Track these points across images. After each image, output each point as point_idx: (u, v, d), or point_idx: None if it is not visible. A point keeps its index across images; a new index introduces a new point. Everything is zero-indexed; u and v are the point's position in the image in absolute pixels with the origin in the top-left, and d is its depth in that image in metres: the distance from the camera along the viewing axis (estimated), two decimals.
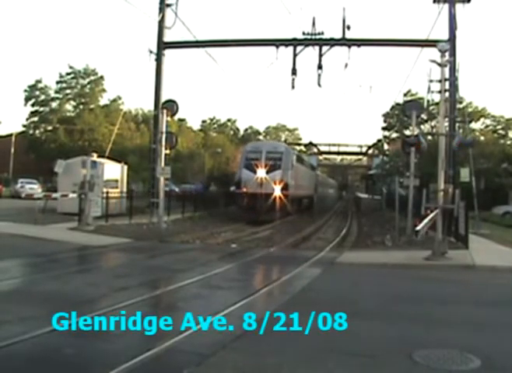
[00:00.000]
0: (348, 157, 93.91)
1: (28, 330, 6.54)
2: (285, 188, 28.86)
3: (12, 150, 63.66)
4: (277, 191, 28.39)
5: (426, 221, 14.50)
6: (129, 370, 5.47)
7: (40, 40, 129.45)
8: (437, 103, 19.00)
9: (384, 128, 60.88)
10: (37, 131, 68.95)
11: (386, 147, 64.51)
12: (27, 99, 67.28)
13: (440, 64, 15.15)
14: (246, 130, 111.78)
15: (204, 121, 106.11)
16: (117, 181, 26.47)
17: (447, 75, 15.60)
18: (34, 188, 43.28)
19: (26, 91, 67.46)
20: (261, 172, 28.93)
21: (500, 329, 7.58)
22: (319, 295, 9.90)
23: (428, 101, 25.05)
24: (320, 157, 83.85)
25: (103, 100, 70.58)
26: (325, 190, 61.39)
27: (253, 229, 24.30)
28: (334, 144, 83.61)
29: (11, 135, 67.46)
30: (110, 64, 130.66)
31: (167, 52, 25.98)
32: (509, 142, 57.23)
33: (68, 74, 68.09)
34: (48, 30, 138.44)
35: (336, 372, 5.73)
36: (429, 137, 25.70)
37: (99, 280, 10.73)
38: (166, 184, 24.64)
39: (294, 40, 25.09)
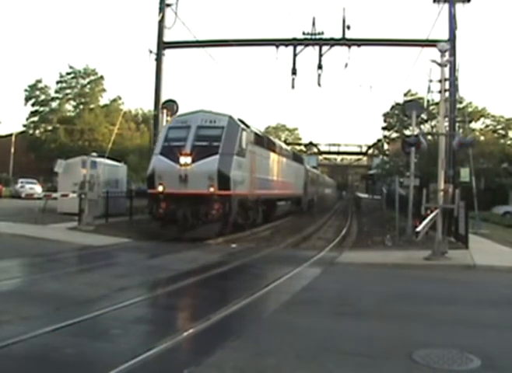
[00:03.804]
0: (348, 157, 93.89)
1: (27, 330, 6.54)
2: (224, 185, 18.32)
3: (12, 150, 63.68)
4: (212, 190, 18.17)
5: (426, 221, 14.51)
6: (130, 369, 5.48)
7: (40, 40, 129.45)
8: (437, 103, 19.00)
9: (383, 128, 60.93)
10: (37, 131, 68.92)
11: (386, 147, 64.59)
12: (27, 99, 67.30)
13: (440, 64, 15.15)
14: None
15: None
16: (117, 181, 26.46)
17: (447, 75, 15.60)
18: (34, 188, 43.29)
19: (26, 91, 67.53)
20: (186, 160, 18.37)
21: (500, 329, 7.58)
22: (319, 295, 9.89)
23: (428, 101, 25.05)
24: (320, 157, 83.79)
25: (103, 100, 70.63)
26: (321, 190, 53.49)
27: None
28: (334, 144, 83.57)
29: (11, 135, 67.51)
30: (110, 64, 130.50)
31: (167, 52, 25.97)
32: (509, 142, 57.26)
33: (68, 74, 68.10)
34: (48, 30, 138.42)
35: (336, 372, 5.73)
36: (429, 137, 25.63)
37: (98, 280, 10.72)
38: None
39: (294, 39, 25.07)
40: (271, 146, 26.00)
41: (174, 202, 18.19)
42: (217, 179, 18.19)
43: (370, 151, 78.43)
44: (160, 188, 18.50)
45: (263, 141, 24.26)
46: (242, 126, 20.43)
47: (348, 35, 24.47)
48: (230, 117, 20.10)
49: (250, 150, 21.06)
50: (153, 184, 18.83)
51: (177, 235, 17.97)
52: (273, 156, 26.25)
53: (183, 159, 18.38)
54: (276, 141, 30.10)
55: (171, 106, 24.60)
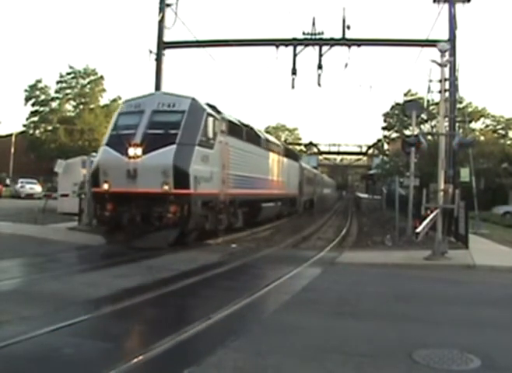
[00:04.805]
0: (348, 157, 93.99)
1: (27, 330, 6.54)
2: (182, 182, 15.20)
3: (12, 150, 63.72)
4: (166, 188, 15.10)
5: (426, 221, 14.54)
6: (130, 369, 5.48)
7: (40, 40, 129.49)
8: (437, 103, 19.00)
9: (383, 128, 61.06)
10: (37, 131, 68.91)
11: (386, 147, 64.70)
12: (27, 99, 67.31)
13: (440, 64, 15.16)
14: None
15: None
16: None
17: (447, 75, 15.61)
18: (34, 188, 43.30)
19: (26, 91, 67.54)
20: (135, 151, 15.26)
21: (500, 329, 7.58)
22: (319, 295, 9.90)
23: (428, 101, 25.07)
24: (320, 157, 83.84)
25: (103, 100, 70.61)
26: (319, 190, 51.65)
27: None
28: (334, 144, 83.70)
29: (11, 135, 67.56)
30: (110, 64, 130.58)
31: (167, 52, 25.94)
32: (509, 142, 57.37)
33: (68, 74, 68.10)
34: (48, 30, 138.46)
35: (336, 372, 5.73)
36: (429, 137, 25.64)
37: (98, 280, 10.72)
38: None
39: (294, 39, 25.04)
40: (253, 138, 22.78)
41: (122, 203, 15.33)
42: (173, 175, 15.08)
43: (370, 151, 78.56)
44: (105, 186, 15.51)
45: (241, 131, 20.94)
46: (209, 110, 17.20)
47: (349, 35, 24.42)
48: (193, 99, 16.79)
49: (221, 141, 17.83)
50: (97, 182, 15.87)
51: (124, 244, 15.05)
52: (257, 150, 23.16)
53: (132, 151, 15.22)
54: (262, 133, 26.27)
55: None
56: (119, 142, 15.58)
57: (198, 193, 15.69)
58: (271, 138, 29.37)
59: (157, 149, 15.24)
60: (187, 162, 15.41)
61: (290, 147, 47.05)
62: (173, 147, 15.34)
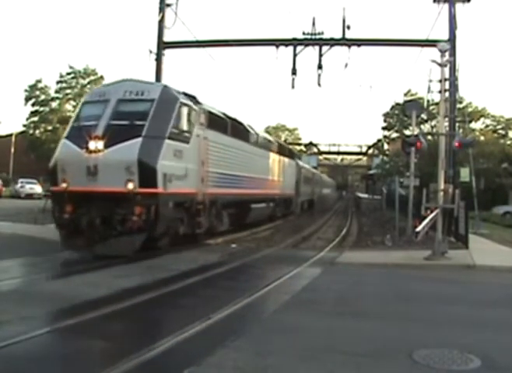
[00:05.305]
0: (348, 157, 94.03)
1: (27, 330, 6.54)
2: (148, 180, 13.51)
3: (12, 150, 63.69)
4: (130, 187, 13.28)
5: (426, 221, 14.54)
6: (131, 368, 5.48)
7: (40, 40, 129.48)
8: (437, 103, 19.01)
9: (383, 128, 61.18)
10: (37, 131, 68.82)
11: (386, 147, 64.76)
12: (27, 99, 67.26)
13: (440, 64, 15.16)
14: None
15: None
16: None
17: (447, 75, 15.61)
18: (34, 188, 43.27)
19: (26, 91, 67.46)
20: (96, 145, 13.47)
21: (501, 329, 7.57)
22: (319, 295, 9.90)
23: (428, 101, 25.14)
24: (320, 157, 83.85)
25: None
26: (319, 189, 50.58)
27: None
28: (334, 144, 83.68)
29: (11, 135, 67.51)
30: (110, 64, 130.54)
31: (167, 52, 25.95)
32: (509, 142, 57.48)
33: (68, 74, 68.01)
34: (48, 30, 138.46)
35: (336, 372, 5.73)
36: (429, 137, 25.65)
37: (98, 280, 10.71)
38: None
39: (294, 39, 25.05)
40: (240, 133, 20.79)
41: (82, 204, 13.48)
42: (138, 172, 13.28)
43: (370, 151, 78.61)
44: (64, 185, 13.70)
45: (226, 125, 18.97)
46: (183, 100, 15.33)
47: (348, 35, 24.44)
48: (165, 87, 15.25)
49: (199, 134, 16.03)
50: (55, 179, 14.12)
51: (84, 250, 13.35)
52: (245, 146, 21.28)
53: (92, 144, 13.38)
54: (252, 128, 23.74)
55: None
56: (79, 135, 13.81)
57: (168, 192, 13.95)
58: (263, 134, 27.13)
59: (121, 142, 13.44)
60: (154, 156, 13.63)
61: (289, 146, 46.23)
62: (139, 140, 13.55)
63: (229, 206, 19.16)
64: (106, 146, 13.37)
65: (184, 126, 15.18)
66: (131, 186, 13.22)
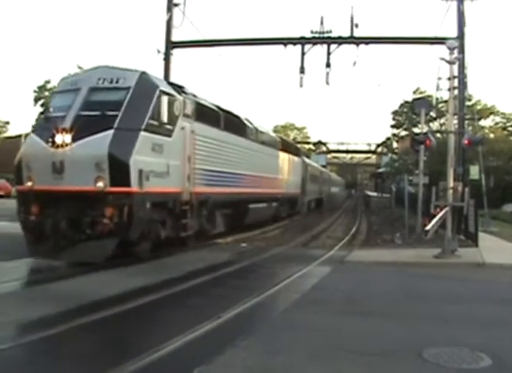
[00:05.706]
0: (357, 155, 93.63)
1: (26, 331, 6.58)
2: (121, 177, 11.93)
3: None
4: (100, 186, 11.76)
5: (435, 219, 14.51)
6: (141, 367, 5.52)
7: (48, 41, 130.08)
8: (446, 101, 18.98)
9: (392, 126, 61.05)
10: None
11: (395, 145, 64.55)
12: (36, 100, 67.42)
13: (448, 62, 15.11)
14: None
15: None
16: None
17: (455, 73, 15.59)
18: None
19: (35, 91, 67.63)
20: (63, 138, 11.96)
21: (511, 328, 7.54)
22: (329, 294, 9.90)
23: (437, 99, 25.08)
24: (329, 156, 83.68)
25: None
26: (327, 188, 48.81)
27: None
28: (343, 143, 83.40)
29: (20, 136, 67.73)
30: (119, 64, 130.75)
31: (175, 51, 26.03)
32: None
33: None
34: (57, 30, 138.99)
35: (346, 371, 5.74)
36: (439, 135, 25.59)
37: (106, 279, 10.76)
38: None
39: (302, 38, 25.05)
40: (236, 127, 19.04)
41: (48, 205, 12.05)
42: (108, 168, 11.74)
43: (379, 150, 78.33)
44: (29, 183, 12.33)
45: (218, 118, 17.29)
46: (163, 88, 13.82)
47: (357, 33, 24.43)
48: (143, 73, 13.46)
49: (184, 127, 14.45)
50: (20, 177, 12.69)
51: (50, 257, 11.79)
52: (242, 142, 19.64)
53: (59, 138, 11.88)
54: (251, 122, 21.79)
55: None
56: (46, 128, 12.53)
57: (145, 191, 12.30)
58: (264, 129, 24.84)
59: (90, 135, 11.91)
60: (127, 150, 12.02)
61: (295, 143, 45.83)
62: (111, 132, 12.01)
63: (223, 206, 17.72)
64: (74, 139, 11.90)
65: (165, 117, 13.56)
66: (101, 184, 11.73)
